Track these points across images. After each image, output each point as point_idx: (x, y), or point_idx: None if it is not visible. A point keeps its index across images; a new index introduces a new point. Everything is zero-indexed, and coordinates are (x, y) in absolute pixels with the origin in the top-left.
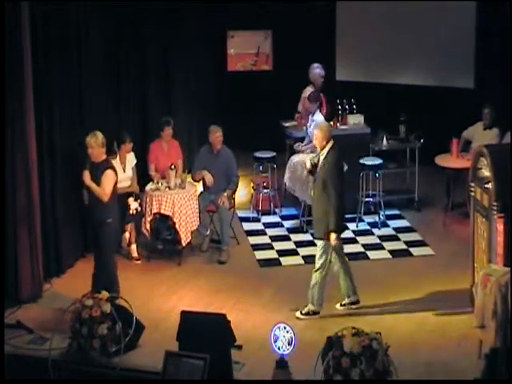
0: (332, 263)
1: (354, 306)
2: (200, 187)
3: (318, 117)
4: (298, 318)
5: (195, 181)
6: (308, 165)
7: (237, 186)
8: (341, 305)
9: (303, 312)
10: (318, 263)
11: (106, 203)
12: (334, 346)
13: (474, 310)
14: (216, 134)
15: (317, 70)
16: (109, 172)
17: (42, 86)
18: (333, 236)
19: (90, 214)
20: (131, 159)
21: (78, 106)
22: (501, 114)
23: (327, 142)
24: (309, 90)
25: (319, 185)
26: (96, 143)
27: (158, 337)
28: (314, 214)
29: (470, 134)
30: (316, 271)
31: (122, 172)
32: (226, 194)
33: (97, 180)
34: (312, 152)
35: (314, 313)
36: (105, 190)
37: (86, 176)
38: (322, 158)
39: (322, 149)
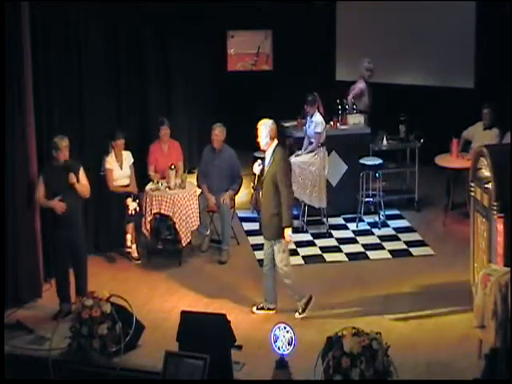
0: (264, 263)
1: (271, 312)
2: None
3: (317, 117)
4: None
5: (199, 186)
6: (256, 169)
7: (240, 187)
8: (257, 308)
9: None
10: (284, 266)
11: (80, 204)
12: (334, 346)
13: (473, 309)
14: (214, 132)
15: (363, 64)
16: (82, 168)
17: (41, 86)
18: (287, 231)
19: (70, 215)
20: (128, 157)
21: (77, 105)
22: (501, 113)
23: (272, 140)
24: (360, 84)
25: (268, 185)
26: (65, 145)
27: (158, 337)
28: (263, 217)
29: (470, 134)
30: (283, 276)
31: (119, 169)
32: (227, 194)
33: (61, 181)
34: (311, 151)
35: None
36: (87, 185)
37: (72, 177)
38: (267, 156)
39: (268, 147)
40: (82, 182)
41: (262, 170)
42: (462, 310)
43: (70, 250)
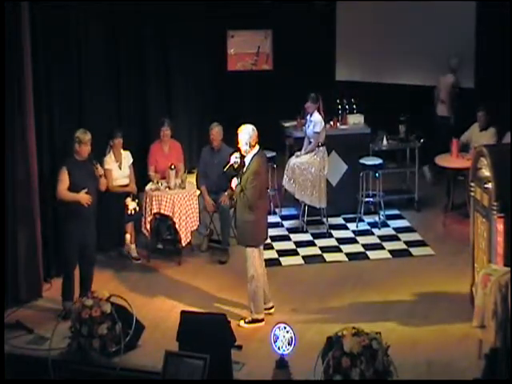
0: (247, 268)
1: (271, 311)
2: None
3: (316, 117)
4: (241, 326)
5: (198, 188)
6: (233, 186)
7: None
8: (245, 322)
9: (247, 321)
10: (249, 273)
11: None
12: (334, 346)
13: (474, 309)
14: (212, 132)
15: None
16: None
17: (41, 86)
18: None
19: (87, 209)
20: (127, 157)
21: (77, 106)
22: (498, 113)
23: (252, 147)
24: (449, 78)
25: (239, 190)
26: (88, 139)
27: (158, 337)
28: (237, 223)
29: (468, 138)
30: (248, 282)
31: (118, 169)
32: (227, 194)
33: (82, 174)
34: (311, 151)
35: (258, 320)
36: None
37: (101, 170)
38: (246, 163)
39: (247, 154)
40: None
41: (238, 167)
42: (462, 310)
43: (81, 245)
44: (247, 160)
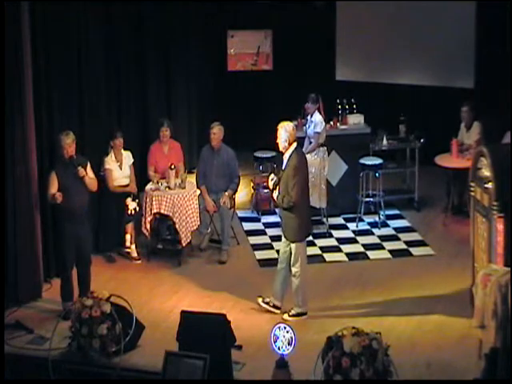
0: (279, 261)
1: (276, 311)
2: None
3: (317, 117)
4: (285, 320)
5: (198, 188)
6: (270, 185)
7: (238, 186)
8: (263, 301)
9: (291, 314)
10: (295, 268)
11: (87, 199)
12: (334, 346)
13: (473, 309)
14: (212, 131)
15: None
16: (88, 163)
17: (42, 86)
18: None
19: (78, 210)
20: (128, 157)
21: (77, 106)
22: (501, 113)
23: (290, 144)
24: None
25: (283, 187)
26: (70, 141)
27: (158, 337)
28: (282, 219)
29: (460, 139)
30: (294, 277)
31: (119, 170)
32: (227, 194)
33: (70, 176)
34: (311, 151)
35: (303, 314)
36: (95, 179)
37: (82, 171)
38: (285, 160)
39: (286, 150)
40: (89, 176)
41: (276, 186)
42: (462, 310)
43: (76, 246)
44: (286, 157)
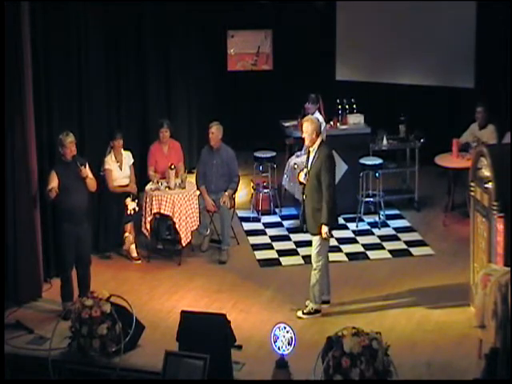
0: (314, 257)
1: (325, 306)
2: None
3: (318, 117)
4: (300, 317)
5: (197, 188)
6: (303, 179)
7: (238, 186)
8: (303, 313)
9: (305, 311)
10: (316, 262)
11: (87, 199)
12: (334, 346)
13: (473, 309)
14: (211, 131)
15: None
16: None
17: (41, 86)
18: (324, 229)
19: (78, 210)
20: (128, 157)
21: (77, 106)
22: (501, 113)
23: (317, 137)
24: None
25: (311, 181)
26: (70, 141)
27: (158, 337)
28: (306, 211)
29: (467, 138)
30: (315, 270)
31: (119, 170)
32: (226, 194)
33: (70, 176)
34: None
35: (316, 311)
36: (94, 179)
37: (85, 171)
38: (312, 154)
39: (313, 143)
40: (89, 176)
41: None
42: (462, 310)
43: (76, 246)
44: (314, 149)
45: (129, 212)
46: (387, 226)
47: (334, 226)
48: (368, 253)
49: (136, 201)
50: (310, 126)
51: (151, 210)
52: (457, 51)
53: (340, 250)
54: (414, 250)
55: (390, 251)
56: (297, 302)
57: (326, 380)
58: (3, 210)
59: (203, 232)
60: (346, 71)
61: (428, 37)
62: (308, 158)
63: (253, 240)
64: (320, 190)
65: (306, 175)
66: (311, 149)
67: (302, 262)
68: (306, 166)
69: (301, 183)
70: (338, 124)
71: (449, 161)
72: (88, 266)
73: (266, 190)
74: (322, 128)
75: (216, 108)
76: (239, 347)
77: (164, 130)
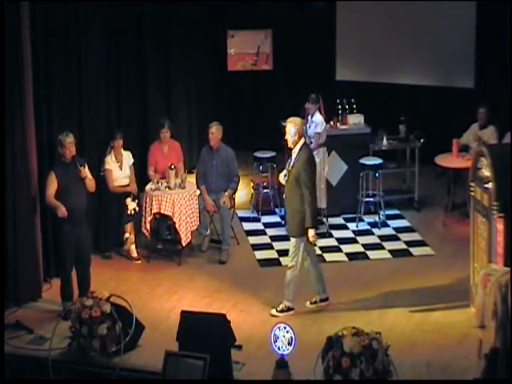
0: (303, 259)
1: (324, 304)
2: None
3: (317, 117)
4: (273, 315)
5: (197, 188)
6: (282, 180)
7: (237, 186)
8: (311, 303)
9: (278, 309)
10: (292, 261)
11: (86, 200)
12: (334, 346)
13: (473, 309)
14: (210, 130)
15: None
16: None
17: (41, 86)
18: (310, 232)
19: (77, 211)
20: (128, 157)
21: (77, 106)
22: (501, 113)
23: (299, 138)
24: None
25: (292, 182)
26: (70, 142)
27: (158, 337)
28: (286, 212)
29: (468, 138)
30: (290, 269)
31: (119, 170)
32: (226, 194)
33: (70, 177)
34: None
35: (289, 309)
36: (93, 179)
37: (85, 171)
38: (293, 155)
39: (295, 145)
40: (88, 176)
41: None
42: (462, 310)
43: (76, 246)
44: (295, 151)
45: (129, 212)
46: (387, 225)
47: (315, 225)
48: (368, 253)
49: (136, 201)
50: (293, 127)
51: (151, 210)
52: (457, 51)
53: (340, 250)
54: (414, 250)
55: (390, 251)
56: (297, 302)
57: (326, 380)
58: (3, 210)
59: (203, 232)
60: (346, 71)
61: (428, 37)
62: (289, 159)
63: (253, 240)
64: (300, 191)
65: (285, 176)
66: (293, 151)
67: None
68: (287, 168)
69: (281, 184)
70: (338, 124)
71: (449, 161)
72: (88, 266)
73: (265, 190)
74: (322, 128)
75: (216, 108)
76: (239, 347)
77: (165, 130)
